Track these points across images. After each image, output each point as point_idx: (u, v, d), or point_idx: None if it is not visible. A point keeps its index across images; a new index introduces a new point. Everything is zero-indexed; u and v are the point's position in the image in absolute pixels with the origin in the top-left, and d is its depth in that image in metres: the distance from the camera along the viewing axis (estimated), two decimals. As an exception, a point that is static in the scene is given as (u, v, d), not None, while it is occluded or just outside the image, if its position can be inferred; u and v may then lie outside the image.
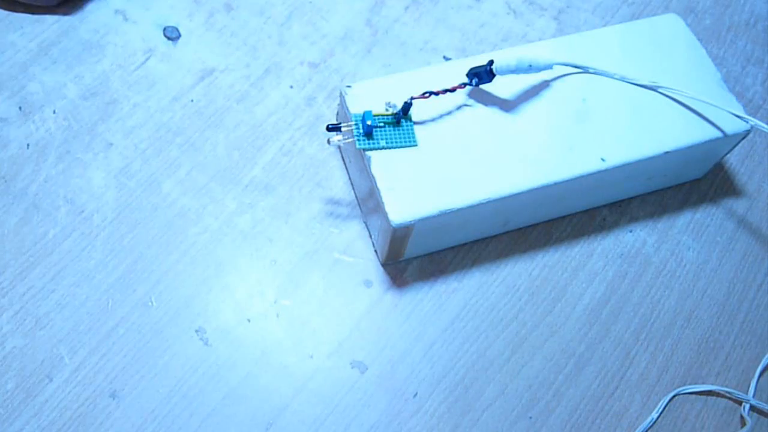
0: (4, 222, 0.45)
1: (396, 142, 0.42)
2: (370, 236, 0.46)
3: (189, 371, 0.41)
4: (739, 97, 0.54)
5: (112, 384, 0.41)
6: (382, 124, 0.42)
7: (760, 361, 0.45)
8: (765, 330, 0.46)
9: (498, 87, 0.44)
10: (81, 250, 0.44)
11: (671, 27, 0.48)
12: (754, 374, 0.44)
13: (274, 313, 0.44)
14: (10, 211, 0.45)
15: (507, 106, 0.44)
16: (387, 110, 0.43)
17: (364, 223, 0.47)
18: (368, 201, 0.45)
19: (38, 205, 0.45)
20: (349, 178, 0.48)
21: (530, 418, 0.42)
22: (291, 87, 0.51)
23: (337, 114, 0.48)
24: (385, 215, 0.40)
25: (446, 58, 0.54)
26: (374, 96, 0.43)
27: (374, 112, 0.42)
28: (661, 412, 0.43)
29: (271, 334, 0.43)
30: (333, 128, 0.42)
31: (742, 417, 0.43)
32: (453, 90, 0.42)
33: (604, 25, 0.56)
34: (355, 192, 0.48)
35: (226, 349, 0.42)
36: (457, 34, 0.55)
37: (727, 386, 0.44)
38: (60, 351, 0.41)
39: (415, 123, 0.43)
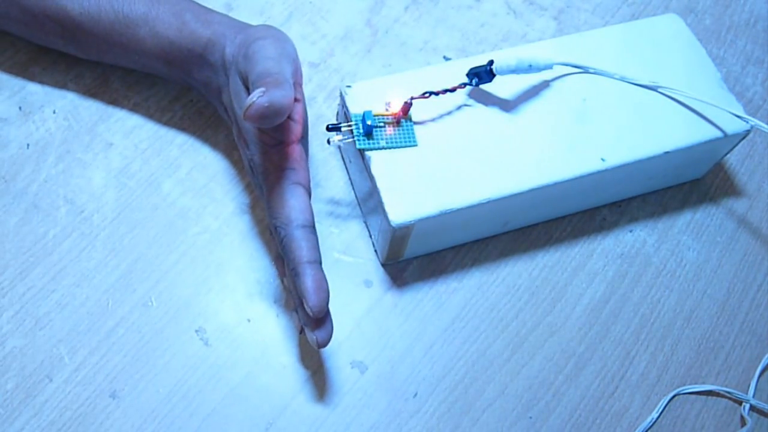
0: (4, 222, 0.45)
1: (396, 142, 0.42)
2: (370, 236, 0.46)
3: (189, 371, 0.41)
4: (739, 97, 0.54)
5: (112, 384, 0.41)
6: (382, 124, 0.42)
7: (760, 361, 0.45)
8: (765, 330, 0.46)
9: (498, 87, 0.44)
10: (81, 250, 0.44)
11: (671, 27, 0.48)
12: (754, 374, 0.44)
13: (274, 313, 0.44)
14: (10, 211, 0.45)
15: (507, 106, 0.44)
16: (387, 110, 0.43)
17: (364, 223, 0.47)
18: (368, 201, 0.45)
19: (38, 205, 0.45)
20: (349, 178, 0.48)
21: (530, 418, 0.42)
22: (291, 87, 0.51)
23: (337, 114, 0.48)
24: (385, 215, 0.40)
25: (446, 58, 0.54)
26: (374, 96, 0.43)
27: (374, 112, 0.42)
28: (661, 412, 0.43)
29: (271, 334, 0.43)
30: (333, 128, 0.42)
31: (742, 417, 0.43)
32: (453, 90, 0.42)
33: (604, 25, 0.56)
34: (355, 192, 0.48)
35: (226, 349, 0.42)
36: (457, 34, 0.55)
37: (727, 386, 0.44)
38: (60, 351, 0.41)
39: (415, 123, 0.43)
